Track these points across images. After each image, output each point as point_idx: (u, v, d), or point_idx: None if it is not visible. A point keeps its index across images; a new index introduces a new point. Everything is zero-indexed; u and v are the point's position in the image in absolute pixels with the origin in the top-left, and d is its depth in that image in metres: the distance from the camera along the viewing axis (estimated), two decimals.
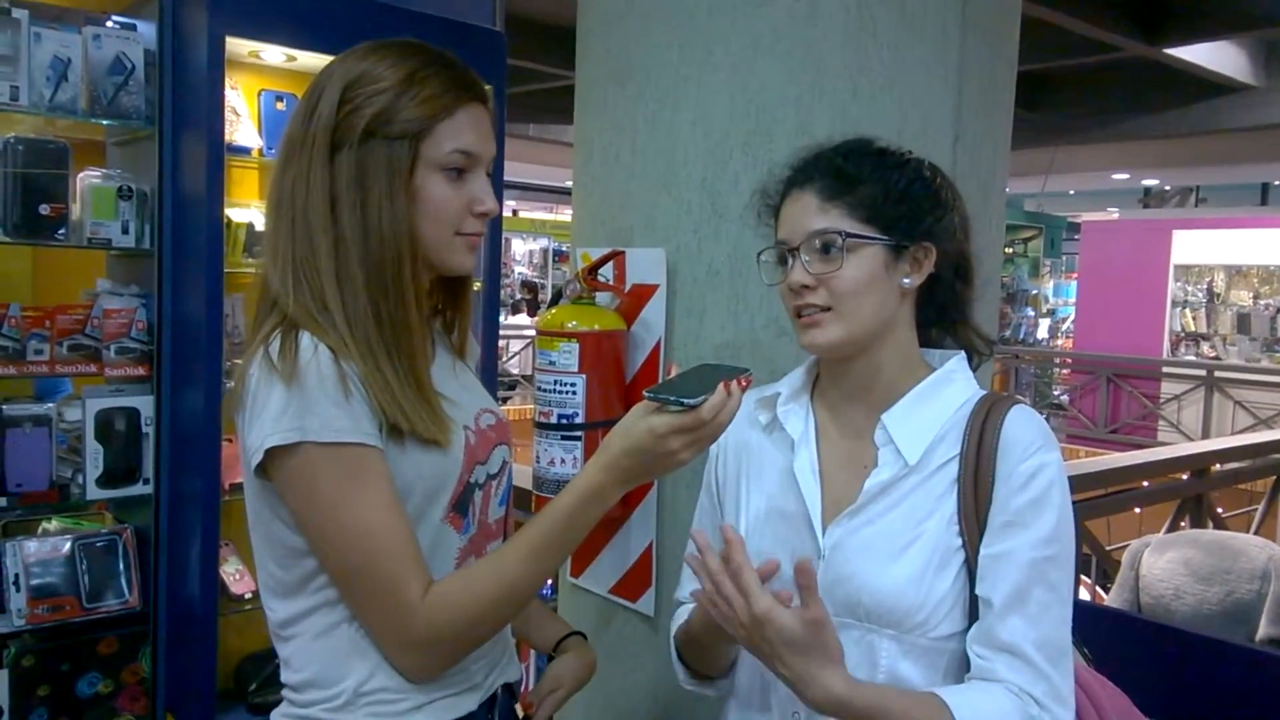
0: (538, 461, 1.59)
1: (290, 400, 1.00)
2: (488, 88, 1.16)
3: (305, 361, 1.01)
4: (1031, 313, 14.17)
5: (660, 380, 1.06)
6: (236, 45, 2.18)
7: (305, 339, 1.03)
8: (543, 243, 15.51)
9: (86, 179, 2.17)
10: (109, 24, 2.17)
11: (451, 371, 1.21)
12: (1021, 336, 13.93)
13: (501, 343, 10.43)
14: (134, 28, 2.20)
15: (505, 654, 1.25)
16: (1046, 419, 11.86)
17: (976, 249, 1.23)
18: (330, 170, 1.06)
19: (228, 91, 2.17)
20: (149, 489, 2.23)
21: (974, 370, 1.23)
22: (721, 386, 1.04)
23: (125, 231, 2.18)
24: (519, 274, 15.12)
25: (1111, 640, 1.92)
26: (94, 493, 2.19)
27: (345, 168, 1.06)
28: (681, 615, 1.31)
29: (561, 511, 1.07)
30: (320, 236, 1.05)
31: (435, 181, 1.08)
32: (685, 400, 1.02)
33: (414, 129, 1.06)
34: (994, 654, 1.06)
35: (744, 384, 1.07)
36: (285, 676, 1.13)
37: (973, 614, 1.10)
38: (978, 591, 1.09)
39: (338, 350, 1.03)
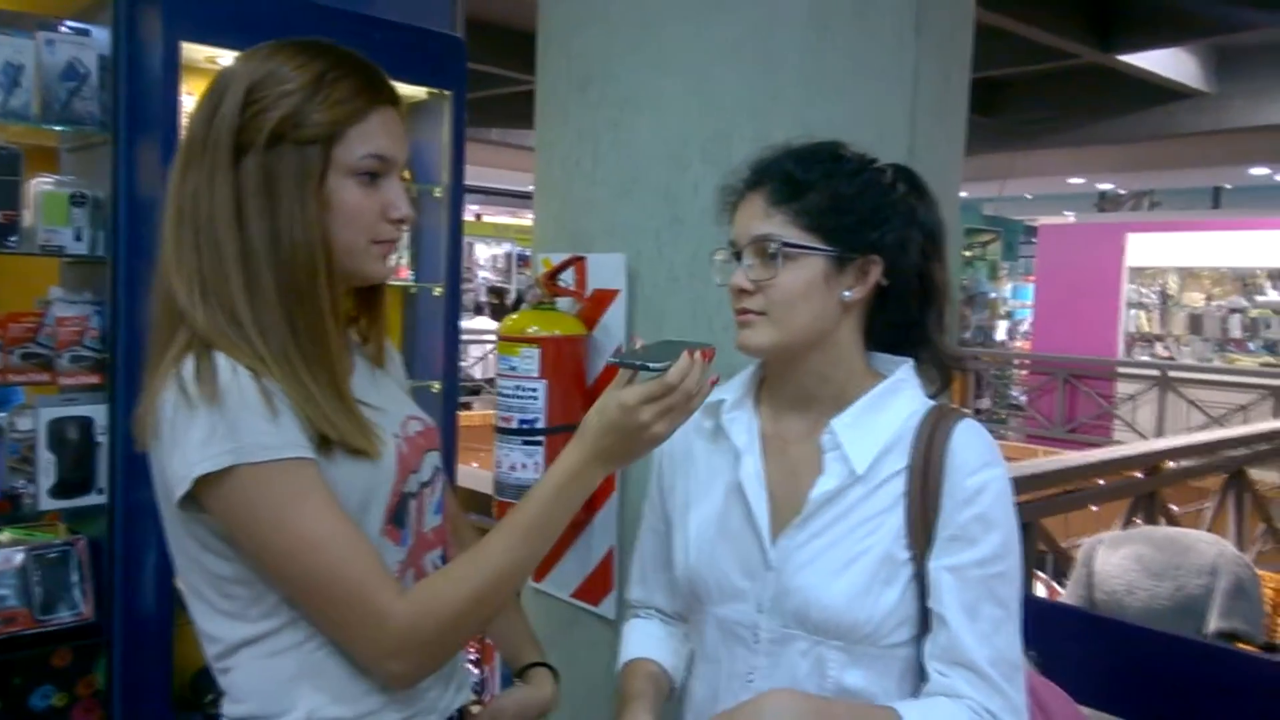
0: (499, 466, 1.59)
1: (215, 424, 0.96)
2: (447, 93, 1.15)
3: (225, 383, 0.97)
4: (987, 314, 14.38)
5: (625, 350, 1.05)
6: (192, 50, 2.15)
7: (221, 360, 0.98)
8: (506, 247, 15.45)
9: (39, 185, 2.14)
10: (62, 29, 2.14)
11: (372, 381, 1.17)
12: (980, 339, 14.11)
13: (461, 347, 10.37)
14: (88, 33, 2.17)
15: (458, 674, 1.20)
16: (1005, 419, 12.08)
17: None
18: (235, 176, 1.01)
19: (183, 97, 2.15)
20: (103, 499, 2.20)
21: (943, 390, 1.22)
22: (685, 354, 1.03)
23: (78, 239, 2.15)
24: (483, 279, 15.06)
25: (1066, 636, 1.97)
26: (47, 503, 2.15)
27: (251, 173, 1.00)
28: (630, 648, 1.31)
29: (543, 497, 1.04)
30: (227, 246, 1.00)
31: (348, 187, 1.03)
32: (651, 365, 1.02)
33: (325, 133, 1.01)
34: (951, 669, 1.08)
35: (707, 355, 1.06)
36: (226, 709, 1.07)
37: (924, 624, 1.11)
38: (930, 605, 1.10)
39: (256, 369, 0.99)
